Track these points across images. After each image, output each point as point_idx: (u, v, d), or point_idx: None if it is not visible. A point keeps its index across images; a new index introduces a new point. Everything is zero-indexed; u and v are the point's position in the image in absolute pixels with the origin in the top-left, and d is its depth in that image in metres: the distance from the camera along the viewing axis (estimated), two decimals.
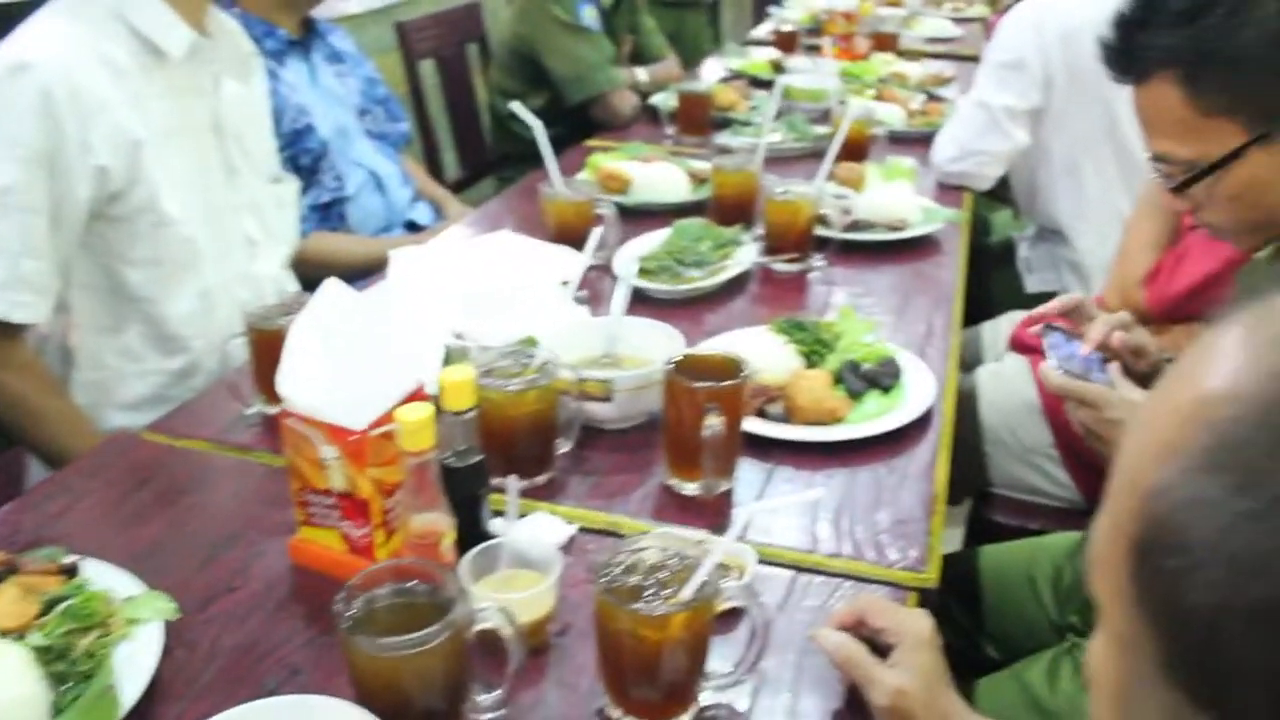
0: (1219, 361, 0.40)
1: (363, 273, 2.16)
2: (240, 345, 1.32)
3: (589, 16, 2.66)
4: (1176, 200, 1.09)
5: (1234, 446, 0.38)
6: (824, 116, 2.46)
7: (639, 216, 1.95)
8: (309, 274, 2.12)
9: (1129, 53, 1.07)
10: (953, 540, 1.74)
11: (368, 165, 2.28)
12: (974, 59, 3.53)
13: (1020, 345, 1.79)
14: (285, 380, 0.99)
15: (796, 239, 1.69)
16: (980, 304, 2.37)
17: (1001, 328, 2.04)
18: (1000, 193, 2.47)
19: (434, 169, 2.93)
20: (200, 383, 1.61)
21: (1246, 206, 1.08)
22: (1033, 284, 2.32)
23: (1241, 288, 1.21)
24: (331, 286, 1.04)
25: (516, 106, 1.92)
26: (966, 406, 1.81)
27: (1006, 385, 1.76)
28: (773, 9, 4.52)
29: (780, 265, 1.71)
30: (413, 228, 2.35)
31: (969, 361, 2.05)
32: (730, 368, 1.14)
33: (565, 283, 1.54)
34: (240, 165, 1.69)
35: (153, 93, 1.52)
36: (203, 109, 1.63)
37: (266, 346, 1.24)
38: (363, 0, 3.26)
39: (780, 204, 1.69)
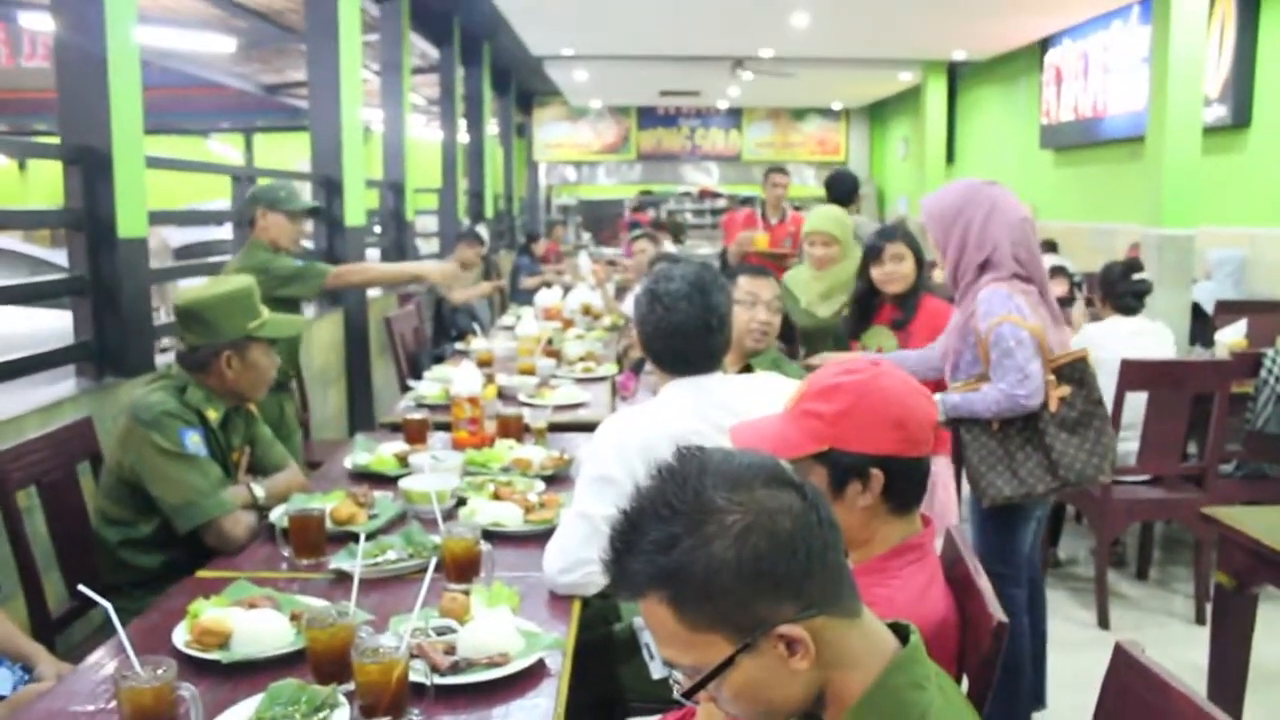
0: None
1: None
2: None
3: (193, 443, 2.62)
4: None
5: None
6: (438, 522, 2.49)
7: (240, 672, 1.88)
8: None
9: (620, 573, 1.15)
10: None
11: None
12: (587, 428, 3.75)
13: None
14: None
15: (391, 698, 1.66)
16: (611, 701, 2.40)
17: None
18: None
19: (36, 604, 2.71)
20: None
21: (749, 702, 1.16)
22: (658, 670, 2.37)
23: None
24: None
25: (84, 589, 1.82)
26: None
27: None
28: (412, 382, 4.67)
29: None
30: None
31: None
32: None
33: None
34: None
35: None
36: None
37: None
38: None
39: (370, 666, 1.66)
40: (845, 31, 10.47)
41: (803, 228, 4.46)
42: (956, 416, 3.11)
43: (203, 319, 2.72)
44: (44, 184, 18.60)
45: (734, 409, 2.26)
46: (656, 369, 2.41)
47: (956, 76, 13.20)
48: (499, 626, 1.90)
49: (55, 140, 3.92)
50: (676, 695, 1.17)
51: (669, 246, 7.54)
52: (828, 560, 1.14)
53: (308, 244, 6.03)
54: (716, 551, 1.09)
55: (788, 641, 1.12)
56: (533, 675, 1.87)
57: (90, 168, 3.74)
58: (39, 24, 9.65)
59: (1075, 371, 3.08)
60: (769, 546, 1.10)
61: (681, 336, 2.32)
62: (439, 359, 5.91)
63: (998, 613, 1.65)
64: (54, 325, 5.49)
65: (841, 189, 6.68)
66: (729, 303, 2.40)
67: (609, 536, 1.17)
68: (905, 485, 1.68)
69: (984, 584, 1.76)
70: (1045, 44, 10.41)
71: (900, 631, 1.22)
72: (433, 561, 1.92)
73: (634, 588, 1.14)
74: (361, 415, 6.34)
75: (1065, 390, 3.06)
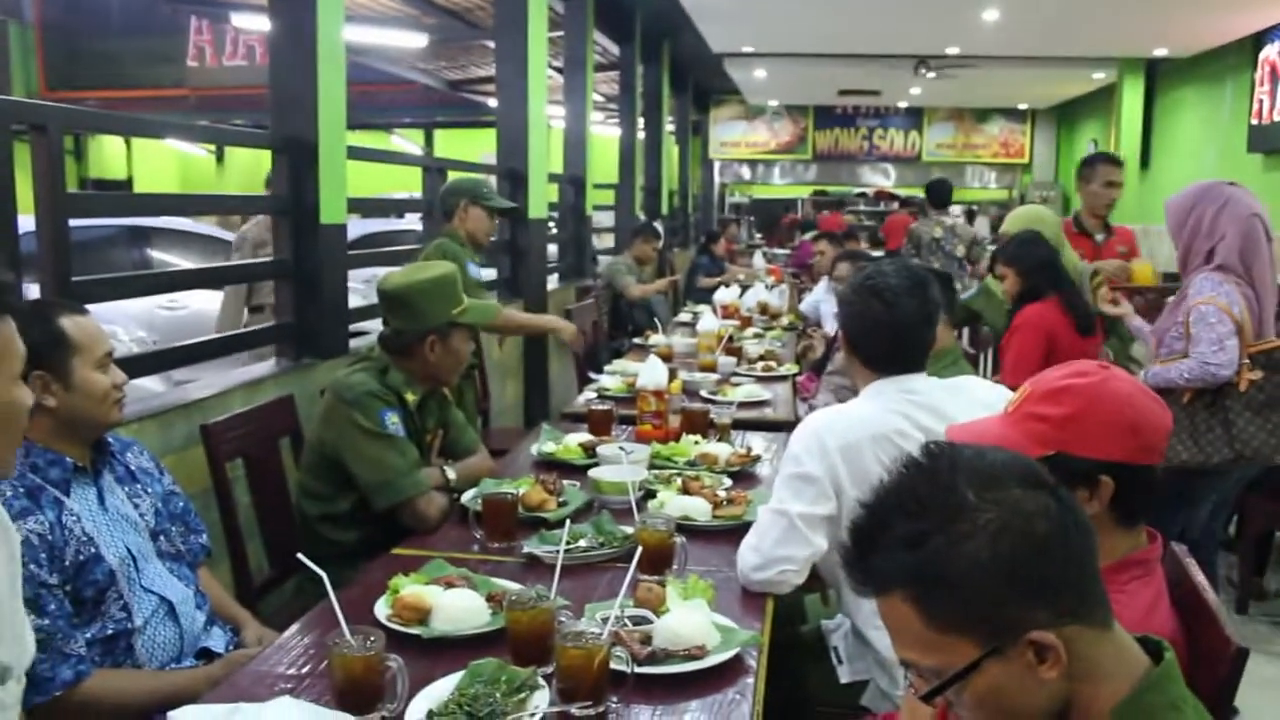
0: None
1: (154, 710, 2.03)
2: None
3: (392, 424, 2.68)
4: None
5: None
6: (630, 513, 2.48)
7: (438, 648, 1.91)
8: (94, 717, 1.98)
9: (863, 569, 1.11)
10: None
11: (159, 592, 2.18)
12: (785, 426, 3.71)
13: None
14: None
15: (591, 684, 1.66)
16: (795, 704, 2.35)
17: None
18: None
19: (240, 569, 2.84)
20: None
21: (991, 710, 1.10)
22: (846, 674, 2.33)
23: None
24: None
25: (302, 558, 1.87)
26: None
27: None
28: (593, 374, 4.70)
29: (575, 711, 1.66)
30: (206, 655, 2.24)
31: None
32: None
33: None
34: None
35: None
36: None
37: None
38: (167, 397, 3.24)
39: (573, 650, 1.66)
40: (1038, 28, 10.08)
41: (1002, 229, 4.36)
42: (1154, 386, 3.29)
43: (410, 304, 2.78)
44: (238, 175, 19.63)
45: (941, 411, 2.19)
46: (859, 367, 2.34)
47: (1155, 74, 12.56)
48: (696, 619, 1.88)
49: (263, 131, 4.10)
50: (915, 696, 1.12)
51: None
52: (1084, 566, 1.08)
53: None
54: (969, 551, 1.05)
55: (1038, 648, 1.06)
56: (729, 670, 1.84)
57: (297, 157, 3.89)
58: (247, 23, 10.15)
59: (1270, 358, 3.34)
60: (1025, 548, 1.05)
61: (904, 332, 2.27)
62: (617, 353, 5.95)
63: (1234, 637, 1.55)
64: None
65: (939, 194, 7.63)
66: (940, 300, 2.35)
67: (849, 530, 1.12)
68: (1135, 495, 1.59)
69: (1216, 605, 1.65)
70: (1260, 38, 9.79)
71: (1150, 648, 1.14)
72: (638, 552, 1.90)
73: (877, 584, 1.10)
74: (537, 405, 6.44)
75: (1258, 374, 3.32)
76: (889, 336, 2.27)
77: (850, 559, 1.13)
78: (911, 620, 1.09)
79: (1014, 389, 1.73)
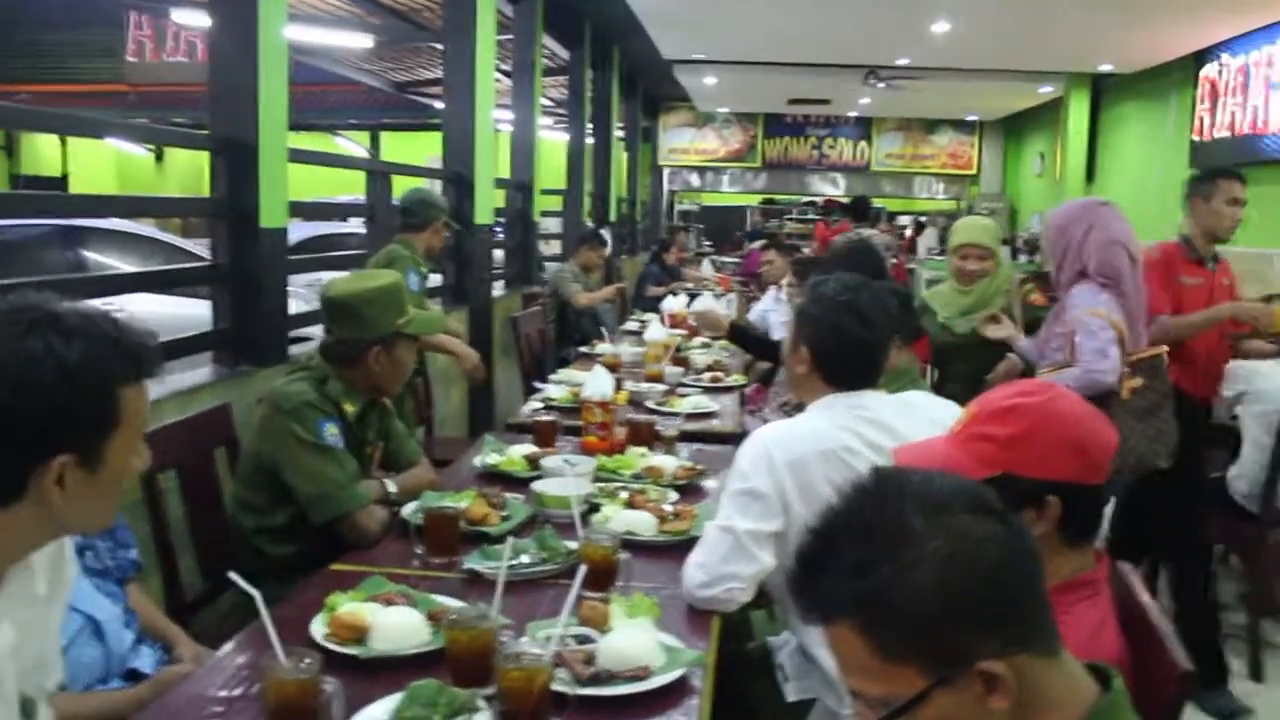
0: None
1: None
2: None
3: (330, 435, 2.61)
4: None
5: None
6: (574, 527, 2.43)
7: (376, 669, 1.85)
8: None
9: (810, 597, 1.08)
10: None
11: (84, 610, 2.09)
12: (732, 439, 3.68)
13: None
14: None
15: (532, 707, 1.61)
16: None
17: None
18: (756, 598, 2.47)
19: (172, 584, 2.75)
20: None
21: None
22: (792, 692, 2.30)
23: None
24: None
25: (234, 576, 1.81)
26: None
27: None
28: (539, 384, 4.65)
29: None
30: (134, 676, 2.16)
31: None
32: None
33: None
34: None
35: None
36: None
37: None
38: None
39: (514, 672, 1.61)
40: (987, 40, 10.18)
41: (951, 240, 4.27)
42: None
43: (355, 313, 2.71)
44: (179, 175, 19.31)
45: (890, 428, 2.17)
46: (816, 382, 2.31)
47: (1100, 90, 12.74)
48: (641, 638, 1.84)
49: (202, 131, 4.00)
50: None
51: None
52: (1033, 594, 1.06)
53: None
54: (916, 579, 1.03)
55: (987, 678, 1.04)
56: (674, 691, 1.80)
57: (236, 159, 3.80)
58: (188, 19, 9.97)
59: (1150, 365, 3.41)
60: (973, 577, 1.03)
61: (876, 350, 2.29)
62: (564, 361, 5.90)
63: (1181, 659, 1.54)
64: (178, 310, 5.61)
65: (861, 209, 9.02)
66: None
67: (796, 555, 1.09)
68: (1082, 514, 1.59)
69: (1164, 625, 1.65)
70: (1200, 57, 9.96)
71: (1099, 675, 1.12)
72: (582, 570, 1.86)
73: (823, 612, 1.07)
74: (482, 414, 6.36)
75: (1138, 381, 3.37)
76: (862, 354, 2.27)
77: (796, 587, 1.10)
78: (858, 649, 1.06)
79: None
